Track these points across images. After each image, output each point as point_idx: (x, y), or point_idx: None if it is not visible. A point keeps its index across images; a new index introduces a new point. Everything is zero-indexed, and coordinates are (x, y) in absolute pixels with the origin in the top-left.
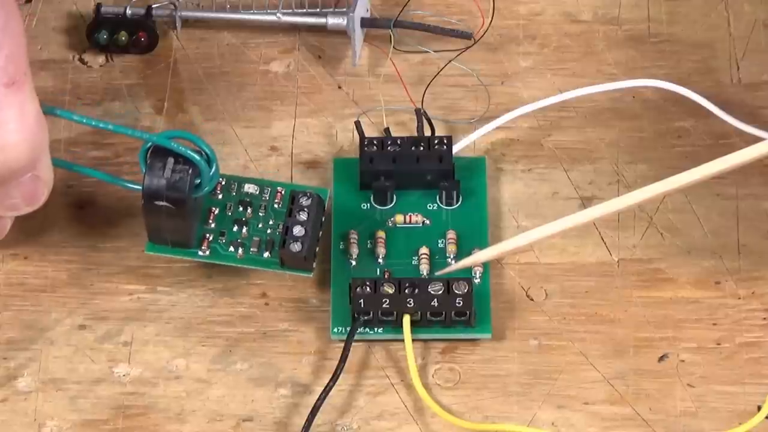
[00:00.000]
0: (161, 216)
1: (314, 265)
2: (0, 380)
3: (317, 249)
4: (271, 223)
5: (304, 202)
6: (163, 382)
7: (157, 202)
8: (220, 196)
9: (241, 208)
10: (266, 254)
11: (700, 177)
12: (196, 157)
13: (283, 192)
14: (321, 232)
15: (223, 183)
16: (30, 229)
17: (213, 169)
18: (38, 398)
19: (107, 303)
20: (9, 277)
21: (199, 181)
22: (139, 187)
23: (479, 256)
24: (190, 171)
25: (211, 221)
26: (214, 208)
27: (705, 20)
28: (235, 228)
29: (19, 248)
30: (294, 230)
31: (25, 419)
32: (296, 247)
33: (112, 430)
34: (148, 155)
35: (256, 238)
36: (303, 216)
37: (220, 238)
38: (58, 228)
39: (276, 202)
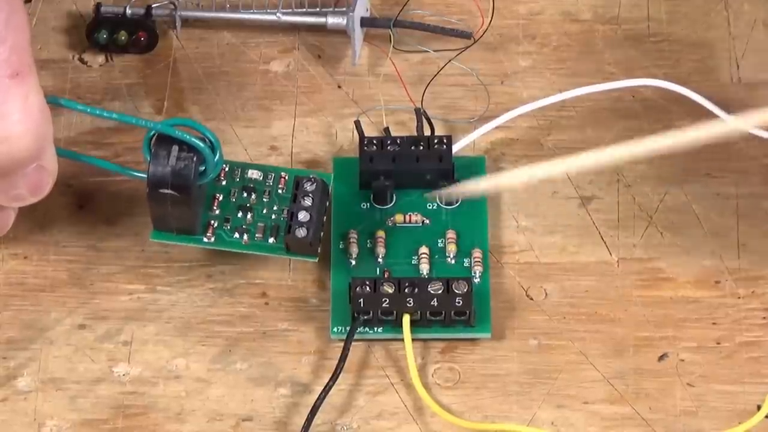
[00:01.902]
0: (166, 204)
1: (319, 250)
2: (0, 380)
3: (322, 234)
4: (275, 208)
5: (309, 187)
6: (163, 381)
7: (162, 190)
8: (224, 183)
9: (245, 194)
10: (271, 240)
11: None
12: (200, 144)
13: (286, 177)
14: (325, 217)
15: (227, 169)
16: (30, 229)
17: (217, 156)
18: (38, 398)
19: (107, 303)
20: (9, 276)
21: (203, 168)
22: (144, 176)
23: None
24: (195, 158)
25: (215, 208)
26: (218, 195)
27: (705, 20)
28: (240, 214)
29: (19, 248)
30: (299, 216)
31: (25, 419)
32: (302, 232)
33: (112, 429)
34: (152, 144)
35: (260, 224)
36: (307, 201)
37: (225, 224)
38: (58, 227)
39: (280, 188)
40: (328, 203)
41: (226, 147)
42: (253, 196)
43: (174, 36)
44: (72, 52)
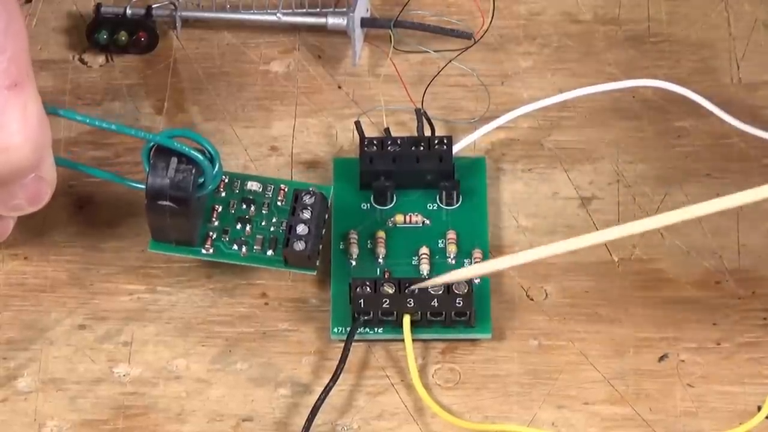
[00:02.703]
0: (165, 215)
1: (318, 263)
2: (0, 380)
3: (320, 246)
4: (274, 220)
5: (308, 200)
6: (163, 382)
7: (160, 202)
8: (223, 194)
9: (244, 206)
10: (270, 252)
11: (717, 209)
12: (199, 156)
13: (286, 189)
14: (324, 230)
15: (227, 180)
16: (30, 229)
17: (216, 168)
18: (38, 398)
19: (107, 303)
20: (9, 277)
21: (202, 180)
22: (143, 186)
23: (461, 273)
24: (194, 170)
25: (214, 219)
26: (217, 206)
27: (705, 20)
28: (239, 226)
29: (19, 248)
30: (297, 229)
31: (25, 419)
32: (300, 246)
33: (112, 430)
34: (151, 154)
35: (259, 236)
36: (306, 214)
37: (224, 236)
38: (58, 228)
39: (279, 200)
40: (327, 216)
41: (226, 147)
42: (252, 208)
43: (174, 36)
44: (72, 52)
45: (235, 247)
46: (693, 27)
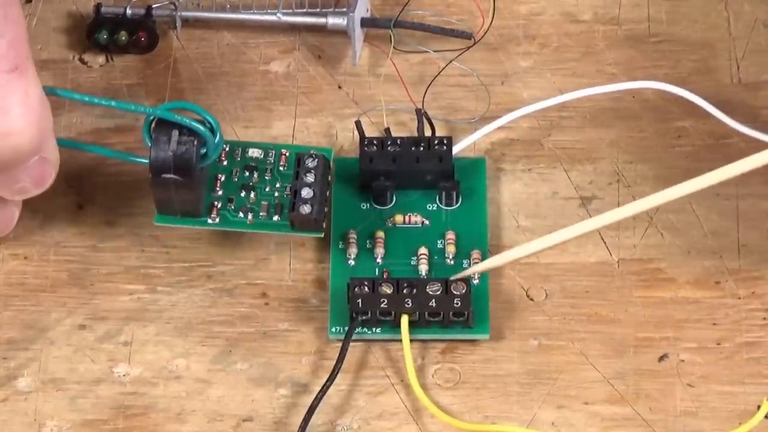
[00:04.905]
0: (169, 188)
1: (324, 225)
2: (0, 380)
3: (326, 209)
4: (278, 186)
5: (310, 163)
6: (163, 382)
7: (164, 176)
8: (225, 163)
9: (247, 173)
10: (276, 218)
11: (703, 185)
12: (200, 127)
13: (287, 154)
14: (328, 192)
15: (228, 149)
16: (30, 229)
17: (217, 138)
18: (38, 398)
19: (107, 303)
20: (9, 277)
21: (204, 150)
22: (146, 161)
23: (493, 261)
24: (195, 142)
25: (218, 188)
26: (220, 175)
27: (705, 20)
28: (243, 193)
29: (19, 248)
30: (302, 192)
31: (25, 419)
32: (306, 209)
33: (112, 430)
34: (152, 129)
35: (264, 202)
36: (310, 177)
37: (229, 204)
38: (58, 228)
39: (281, 165)
40: (330, 177)
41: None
42: (255, 175)
43: (174, 36)
44: (72, 52)
45: (241, 214)
46: (693, 27)
